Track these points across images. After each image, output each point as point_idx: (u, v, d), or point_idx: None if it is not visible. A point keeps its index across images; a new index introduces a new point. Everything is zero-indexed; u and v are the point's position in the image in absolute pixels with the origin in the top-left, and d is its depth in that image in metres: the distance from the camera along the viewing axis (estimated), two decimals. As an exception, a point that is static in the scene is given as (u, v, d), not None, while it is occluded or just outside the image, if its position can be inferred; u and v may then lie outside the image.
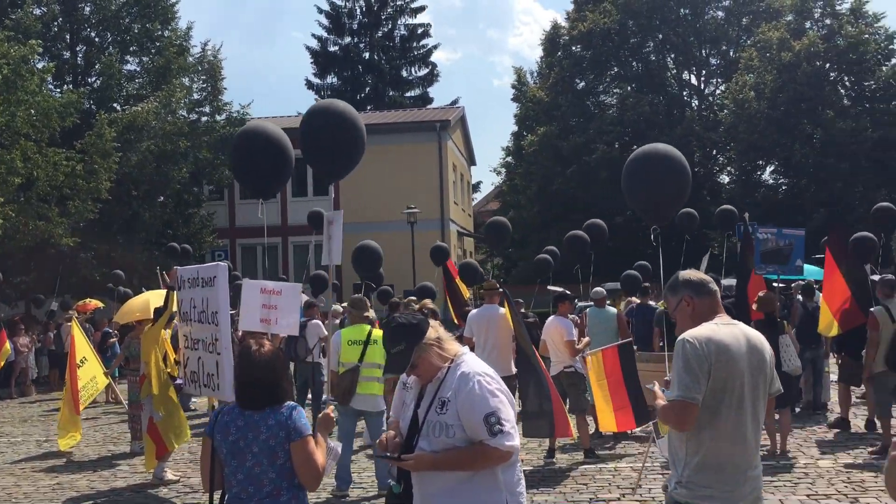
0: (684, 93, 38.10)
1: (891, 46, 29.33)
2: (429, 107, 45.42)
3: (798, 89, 28.30)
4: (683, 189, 7.71)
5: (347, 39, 48.65)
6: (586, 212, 35.40)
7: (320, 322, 12.47)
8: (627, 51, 37.70)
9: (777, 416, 9.14)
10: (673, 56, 37.79)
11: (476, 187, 48.36)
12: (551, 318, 9.43)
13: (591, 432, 9.63)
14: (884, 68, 29.01)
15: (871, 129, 27.55)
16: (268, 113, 47.61)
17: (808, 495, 7.47)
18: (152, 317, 10.24)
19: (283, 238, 32.99)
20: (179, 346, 9.60)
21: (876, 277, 10.42)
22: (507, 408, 3.41)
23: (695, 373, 3.38)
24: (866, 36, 28.65)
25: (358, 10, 48.56)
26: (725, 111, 32.40)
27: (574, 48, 37.95)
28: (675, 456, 3.58)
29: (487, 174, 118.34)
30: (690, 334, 3.46)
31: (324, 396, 11.64)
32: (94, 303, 20.83)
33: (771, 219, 29.15)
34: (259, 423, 3.57)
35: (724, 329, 3.50)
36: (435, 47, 49.49)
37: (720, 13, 37.24)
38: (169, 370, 9.36)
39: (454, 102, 47.25)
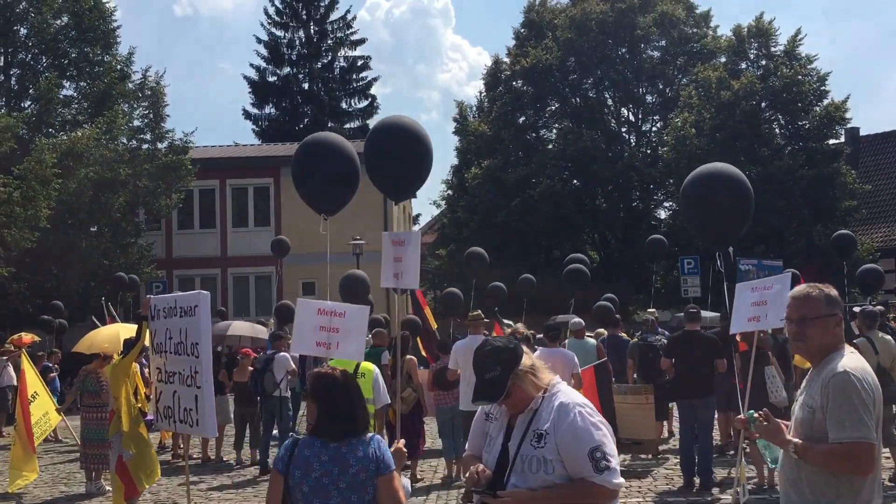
0: (623, 129, 38.81)
1: (822, 87, 30.45)
2: (358, 140, 45.33)
3: (736, 127, 29.09)
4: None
5: (286, 70, 48.29)
6: (527, 245, 35.79)
7: (287, 355, 12.07)
8: (567, 87, 38.28)
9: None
10: (611, 92, 38.52)
11: (416, 219, 48.30)
12: (543, 350, 9.26)
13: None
14: (816, 109, 30.06)
15: (807, 167, 28.46)
16: (203, 142, 46.66)
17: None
18: (122, 348, 9.74)
19: (223, 269, 32.25)
20: (150, 379, 9.12)
21: (857, 309, 10.57)
22: (611, 442, 3.21)
23: (869, 410, 3.17)
24: (800, 77, 29.68)
25: (297, 41, 48.32)
26: (665, 147, 33.08)
27: (515, 83, 38.38)
28: (820, 502, 3.30)
29: (424, 206, 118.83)
30: (852, 367, 3.24)
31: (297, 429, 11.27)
32: (29, 336, 19.87)
33: (709, 252, 29.82)
34: (347, 455, 3.29)
35: (862, 360, 3.35)
36: (375, 80, 49.54)
37: (656, 53, 38.16)
38: (139, 405, 8.85)
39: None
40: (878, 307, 10.93)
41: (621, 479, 3.18)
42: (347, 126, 48.40)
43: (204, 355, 8.11)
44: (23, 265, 21.44)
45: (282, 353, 11.76)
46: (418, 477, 10.48)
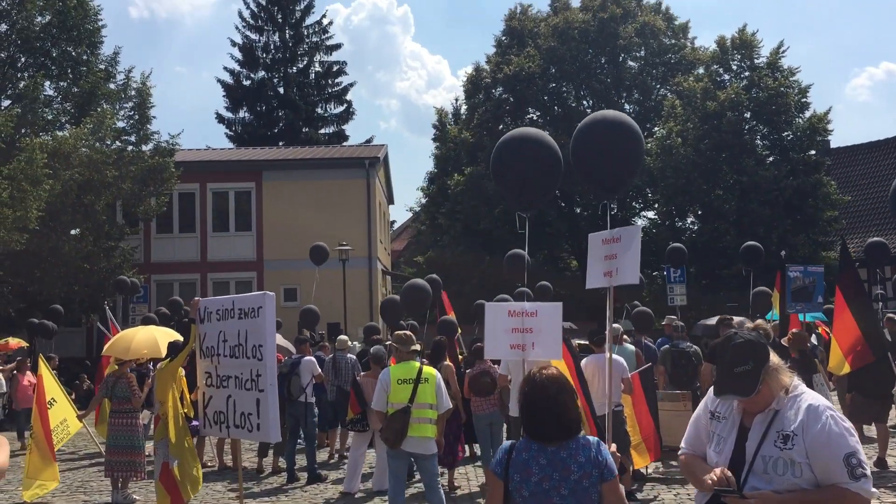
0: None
1: (803, 100, 30.91)
2: (344, 144, 45.00)
3: (721, 137, 29.38)
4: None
5: (261, 74, 47.76)
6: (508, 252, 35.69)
7: (313, 359, 11.82)
8: (547, 95, 38.40)
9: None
10: (591, 101, 38.71)
11: (392, 226, 48.06)
12: (591, 357, 9.13)
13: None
14: (799, 120, 30.50)
15: (791, 177, 28.85)
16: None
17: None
18: (165, 353, 9.41)
19: (202, 274, 31.66)
20: (198, 383, 8.81)
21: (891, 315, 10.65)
22: (862, 449, 3.08)
23: None
24: (784, 88, 30.09)
25: (272, 46, 47.82)
26: (650, 157, 33.30)
27: (495, 91, 38.42)
28: None
29: (399, 213, 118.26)
30: None
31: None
32: (16, 341, 19.30)
33: (693, 262, 30.09)
34: (567, 460, 3.11)
35: None
36: (351, 85, 49.21)
37: (635, 63, 38.46)
38: (185, 410, 8.53)
39: (368, 141, 46.98)
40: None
41: (874, 489, 3.05)
42: (323, 132, 48.02)
43: (268, 358, 7.87)
44: (5, 268, 20.79)
45: (308, 358, 11.51)
46: (455, 485, 10.29)
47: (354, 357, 13.20)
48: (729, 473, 3.14)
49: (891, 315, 10.18)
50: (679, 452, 3.52)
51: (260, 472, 11.85)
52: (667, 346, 11.87)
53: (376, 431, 10.44)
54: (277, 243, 31.26)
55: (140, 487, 10.57)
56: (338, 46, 48.84)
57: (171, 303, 19.41)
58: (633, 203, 38.00)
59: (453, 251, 35.89)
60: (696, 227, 31.84)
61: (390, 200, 42.47)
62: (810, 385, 9.16)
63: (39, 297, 22.55)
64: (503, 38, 39.51)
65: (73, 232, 24.50)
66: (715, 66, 32.81)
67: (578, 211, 38.41)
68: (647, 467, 9.86)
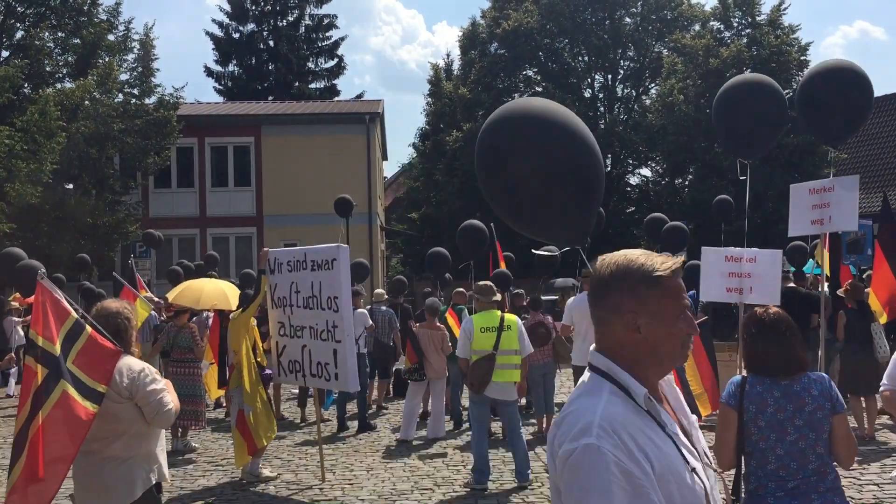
0: (600, 95, 39.02)
1: (802, 57, 31.06)
2: (335, 99, 44.67)
3: (723, 94, 29.51)
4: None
5: (251, 27, 47.05)
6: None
7: (365, 311, 11.94)
8: (544, 51, 38.26)
9: (864, 403, 9.43)
10: (588, 58, 38.63)
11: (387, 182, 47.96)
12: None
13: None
14: (799, 78, 30.66)
15: (791, 134, 29.09)
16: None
17: None
18: (234, 305, 9.50)
19: (202, 230, 31.50)
20: (270, 333, 8.92)
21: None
22: None
23: None
24: (785, 46, 30.24)
25: (262, -2, 47.05)
26: (650, 114, 33.41)
27: (490, 47, 38.23)
28: None
29: (392, 170, 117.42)
30: None
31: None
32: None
33: (691, 219, 30.43)
34: (801, 393, 3.28)
35: None
36: (342, 39, 48.59)
37: (631, 20, 38.37)
38: (259, 359, 8.64)
39: (359, 96, 46.63)
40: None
41: None
42: (314, 86, 47.55)
43: (344, 309, 8.00)
44: (22, 223, 20.58)
45: (359, 310, 11.59)
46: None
47: (391, 309, 13.32)
48: None
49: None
50: (882, 388, 3.71)
51: (302, 422, 12.01)
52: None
53: (432, 381, 10.66)
54: (277, 198, 31.13)
55: (194, 435, 10.68)
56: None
57: (207, 257, 19.19)
58: (629, 160, 38.19)
59: (451, 207, 35.94)
60: (693, 185, 32.06)
61: (384, 157, 42.35)
62: (868, 334, 9.43)
63: (47, 251, 22.36)
64: (499, -8, 39.14)
65: (68, 186, 24.20)
66: (715, 24, 32.82)
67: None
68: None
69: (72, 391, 4.06)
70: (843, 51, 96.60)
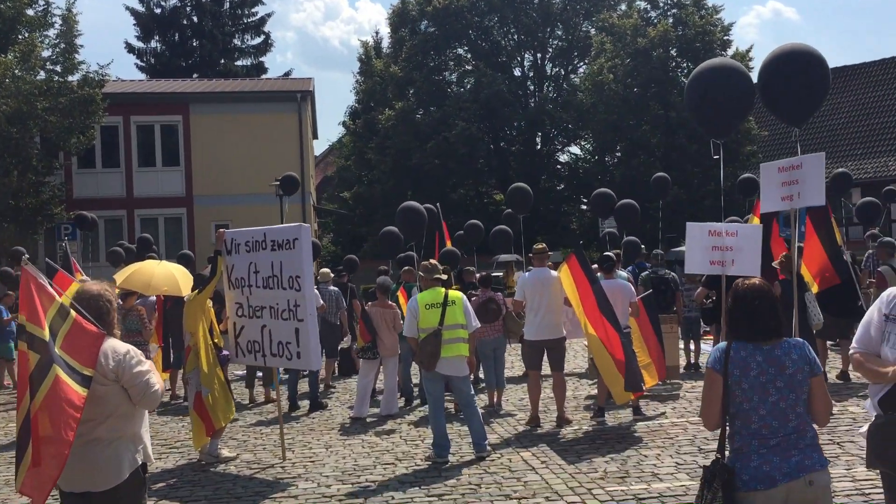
0: (531, 74, 39.41)
1: (726, 37, 31.99)
2: (263, 77, 43.98)
3: (651, 73, 30.19)
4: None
5: (173, 1, 45.89)
6: (441, 185, 35.99)
7: (316, 291, 11.91)
8: (474, 29, 38.42)
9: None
10: (518, 37, 38.93)
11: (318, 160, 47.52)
12: (603, 281, 9.60)
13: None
14: (722, 56, 31.57)
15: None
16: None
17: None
18: (184, 292, 9.40)
19: (129, 211, 30.75)
20: (227, 313, 8.88)
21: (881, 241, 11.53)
22: None
23: None
24: (709, 26, 31.07)
25: (185, -28, 45.86)
26: (580, 93, 33.92)
27: (421, 24, 38.22)
28: None
29: (322, 148, 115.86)
30: None
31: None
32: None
33: (624, 195, 31.10)
34: (782, 357, 3.53)
35: None
36: (268, 16, 47.82)
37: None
38: (216, 340, 8.61)
39: (287, 74, 46.03)
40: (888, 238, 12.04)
41: None
42: (240, 63, 46.73)
43: (306, 288, 8.04)
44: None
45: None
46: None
47: (337, 289, 13.34)
48: None
49: (882, 241, 11.32)
50: (851, 352, 3.98)
51: (251, 402, 12.00)
52: (646, 272, 12.52)
53: (385, 358, 10.77)
54: (208, 178, 30.59)
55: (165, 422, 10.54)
56: (253, -26, 47.21)
57: (140, 240, 18.85)
58: (559, 138, 38.73)
59: (383, 186, 35.94)
60: (622, 162, 32.78)
61: (314, 135, 41.94)
62: (803, 303, 9.90)
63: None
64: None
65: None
66: (641, 3, 33.51)
67: (504, 146, 38.87)
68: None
69: (64, 376, 4.05)
70: (756, 30, 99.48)
